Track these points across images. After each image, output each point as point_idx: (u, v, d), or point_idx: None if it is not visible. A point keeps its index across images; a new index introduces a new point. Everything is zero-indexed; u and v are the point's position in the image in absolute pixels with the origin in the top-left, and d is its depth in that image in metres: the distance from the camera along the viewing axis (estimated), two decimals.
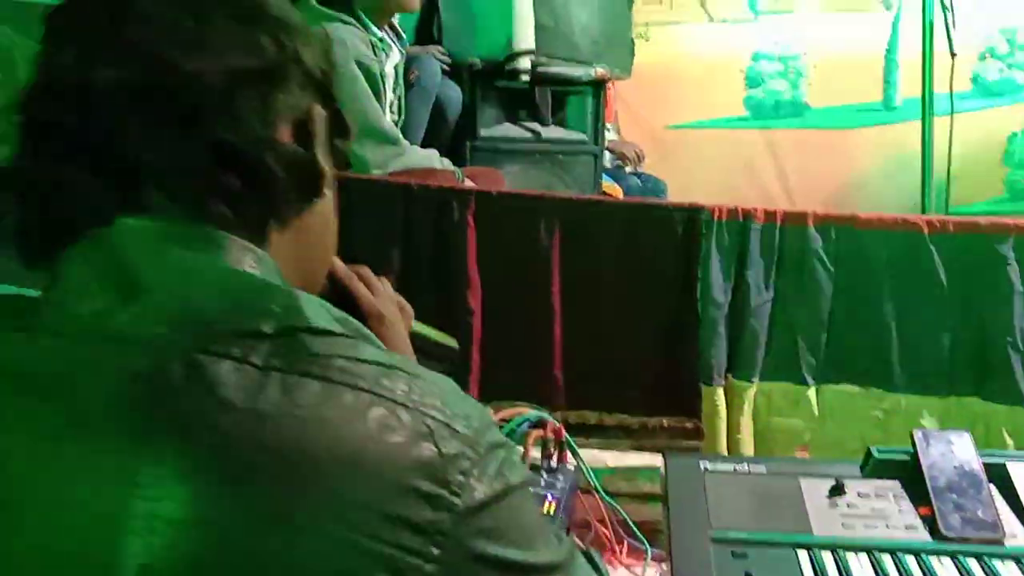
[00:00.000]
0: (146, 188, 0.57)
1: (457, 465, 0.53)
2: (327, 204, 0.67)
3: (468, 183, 2.34)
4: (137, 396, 0.51)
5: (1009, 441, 1.83)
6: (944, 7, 2.33)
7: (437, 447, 0.52)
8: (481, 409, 0.57)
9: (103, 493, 0.50)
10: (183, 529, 0.49)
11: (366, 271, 0.91)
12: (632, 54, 3.34)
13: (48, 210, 0.59)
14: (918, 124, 2.64)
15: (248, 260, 0.59)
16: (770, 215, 1.88)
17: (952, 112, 2.43)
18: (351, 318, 0.58)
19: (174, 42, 0.57)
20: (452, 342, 1.07)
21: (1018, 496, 1.13)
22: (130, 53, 0.57)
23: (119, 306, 0.54)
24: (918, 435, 1.19)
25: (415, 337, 0.97)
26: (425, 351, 1.00)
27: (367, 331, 0.58)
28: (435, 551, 0.51)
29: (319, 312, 0.56)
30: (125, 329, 0.53)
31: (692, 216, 1.88)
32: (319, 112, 0.64)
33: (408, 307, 0.95)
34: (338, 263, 0.85)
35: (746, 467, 1.22)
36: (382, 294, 0.90)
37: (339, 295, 0.86)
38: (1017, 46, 4.78)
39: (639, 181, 3.85)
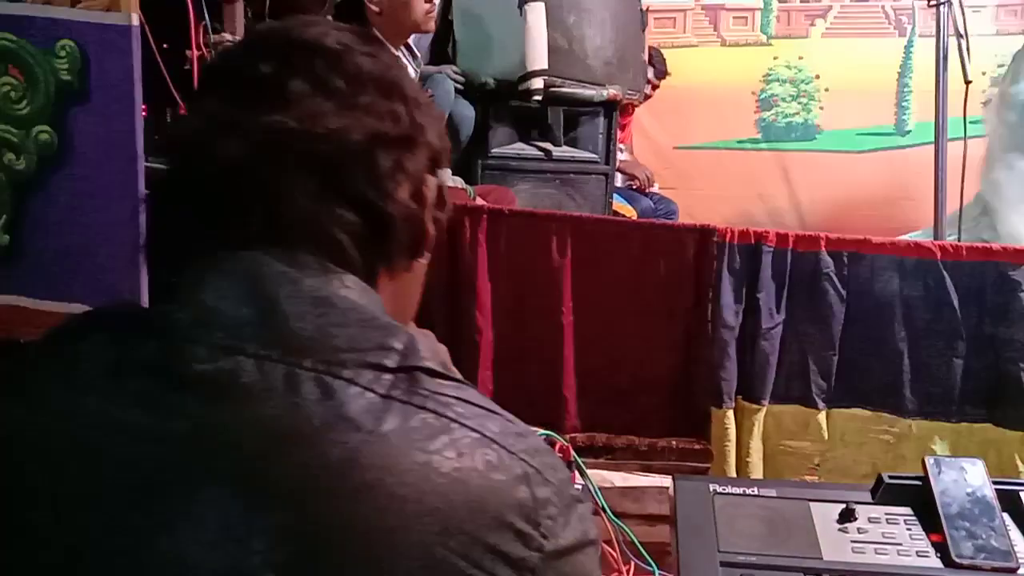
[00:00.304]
0: (284, 222, 0.63)
1: (547, 510, 0.58)
2: (422, 267, 0.74)
3: (480, 201, 2.35)
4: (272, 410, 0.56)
5: (1021, 467, 1.82)
6: (959, 33, 2.33)
7: (532, 491, 0.58)
8: (563, 464, 0.63)
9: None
10: (298, 533, 0.54)
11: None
12: (646, 76, 3.36)
13: (193, 231, 0.65)
14: (930, 148, 2.64)
15: (370, 299, 0.65)
16: (782, 238, 1.88)
17: (965, 137, 2.43)
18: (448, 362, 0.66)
19: (328, 100, 0.65)
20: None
21: None
22: (289, 102, 0.64)
23: (255, 325, 0.59)
24: (930, 461, 1.18)
25: None
26: None
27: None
28: None
29: (432, 354, 0.62)
30: (260, 349, 0.58)
31: (704, 238, 1.89)
32: (432, 182, 0.71)
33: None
34: None
35: (756, 490, 1.21)
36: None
37: None
38: None
39: (652, 202, 3.87)
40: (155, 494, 0.56)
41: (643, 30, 3.24)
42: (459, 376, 0.64)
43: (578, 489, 0.64)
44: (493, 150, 2.72)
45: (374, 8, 2.33)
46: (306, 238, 0.63)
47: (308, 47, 0.67)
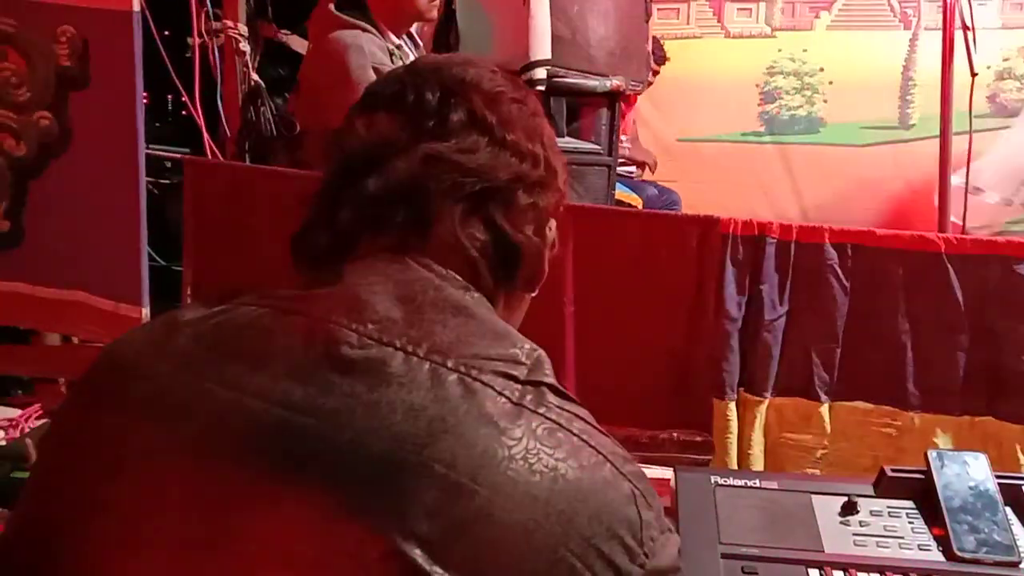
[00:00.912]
0: (433, 237, 0.72)
1: (649, 531, 0.63)
2: (527, 301, 0.81)
3: None
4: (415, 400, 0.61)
5: (1023, 461, 1.81)
6: (965, 25, 2.32)
7: (639, 511, 0.63)
8: (657, 495, 0.68)
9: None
10: (443, 511, 0.57)
11: None
12: (650, 67, 3.34)
13: (347, 236, 0.73)
14: (934, 142, 2.62)
15: (495, 317, 0.71)
16: (786, 230, 1.87)
17: (971, 130, 2.42)
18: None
19: (483, 136, 0.73)
20: None
21: None
22: (450, 132, 0.73)
23: (402, 323, 0.65)
24: (932, 455, 1.18)
25: None
26: None
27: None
28: None
29: (552, 372, 0.68)
30: (407, 344, 0.63)
31: (707, 229, 1.88)
32: (554, 224, 0.79)
33: None
34: None
35: (757, 482, 1.21)
36: None
37: None
38: None
39: (656, 191, 3.86)
40: (299, 465, 0.59)
41: (647, 21, 3.22)
42: (573, 396, 0.68)
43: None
44: None
45: None
46: (449, 254, 0.71)
47: (469, 86, 0.75)
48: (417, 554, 0.56)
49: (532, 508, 0.59)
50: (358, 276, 0.69)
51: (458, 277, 0.71)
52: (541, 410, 0.63)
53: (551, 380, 0.67)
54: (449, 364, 0.63)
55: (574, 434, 0.63)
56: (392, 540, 0.56)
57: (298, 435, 0.60)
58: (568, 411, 0.65)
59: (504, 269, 0.74)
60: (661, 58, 4.11)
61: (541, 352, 0.68)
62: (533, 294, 0.80)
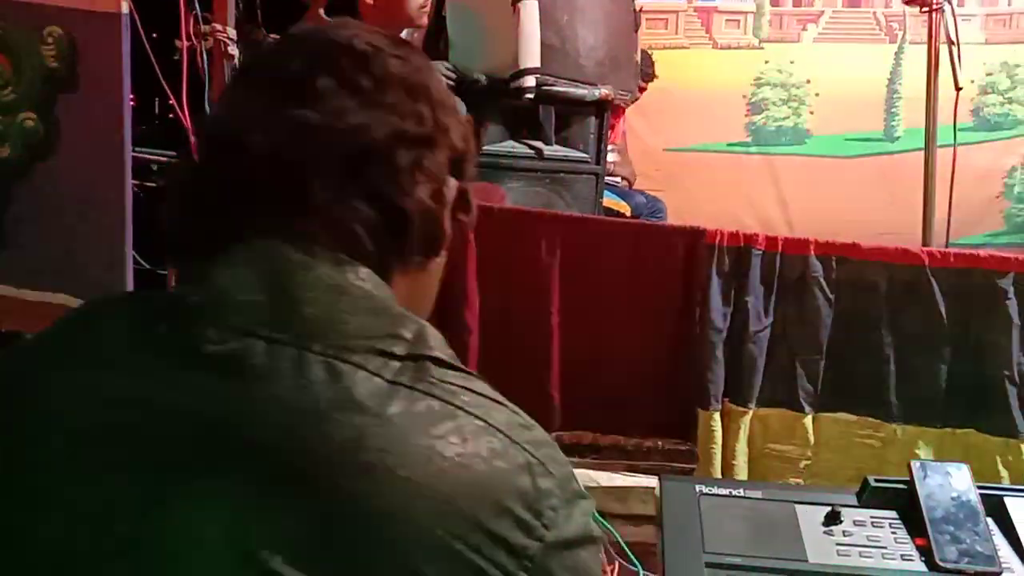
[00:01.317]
0: (303, 213, 0.65)
1: (549, 501, 0.59)
2: (438, 267, 0.75)
3: None
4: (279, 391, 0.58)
5: (1004, 473, 1.83)
6: (950, 40, 2.34)
7: (534, 480, 0.59)
8: (566, 460, 0.64)
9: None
10: (307, 511, 0.55)
11: None
12: (638, 77, 3.36)
13: (215, 219, 0.67)
14: (919, 155, 2.65)
15: (384, 291, 0.66)
16: (771, 241, 1.88)
17: (955, 144, 2.44)
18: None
19: (353, 98, 0.67)
20: None
21: (1015, 530, 1.13)
22: (315, 99, 0.66)
23: (267, 309, 0.61)
24: (915, 465, 1.19)
25: None
26: None
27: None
28: (522, 574, 0.57)
29: (441, 345, 0.64)
30: (271, 332, 0.60)
31: (694, 240, 1.88)
32: (452, 183, 0.73)
33: None
34: None
35: (742, 491, 1.21)
36: None
37: None
38: (1018, 80, 4.82)
39: (644, 199, 3.88)
40: (166, 468, 0.57)
41: (636, 31, 3.24)
42: (466, 368, 0.65)
43: (581, 487, 0.64)
44: (484, 147, 2.71)
45: (368, 1, 2.32)
46: (324, 229, 0.65)
47: (337, 48, 0.69)
48: (278, 562, 0.53)
49: (406, 495, 0.55)
50: (224, 266, 0.64)
51: (334, 253, 0.65)
52: (420, 386, 0.59)
53: (437, 353, 0.62)
54: (316, 348, 0.59)
55: (459, 407, 0.59)
56: (255, 550, 0.54)
57: (163, 441, 0.58)
58: (454, 384, 0.61)
59: (392, 237, 0.67)
60: (650, 75, 4.13)
61: (425, 326, 0.64)
62: (439, 259, 0.74)
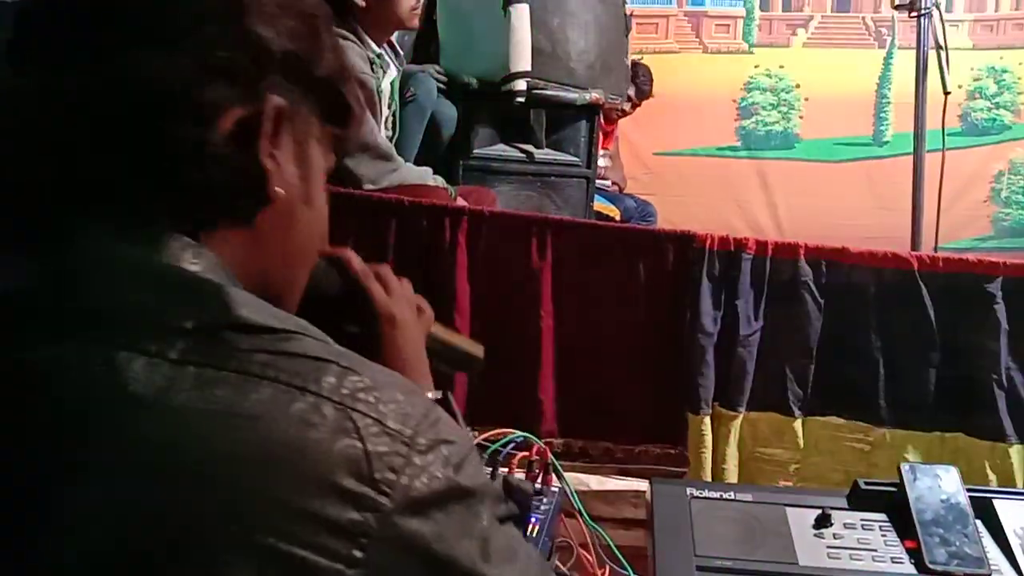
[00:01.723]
0: (80, 186, 0.57)
1: (386, 462, 0.50)
2: (291, 204, 0.63)
3: (461, 201, 2.34)
4: (64, 394, 0.51)
5: (992, 477, 1.84)
6: (938, 45, 2.36)
7: (363, 443, 0.50)
8: (428, 406, 0.55)
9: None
10: (88, 528, 0.48)
11: (385, 270, 0.89)
12: (629, 80, 3.37)
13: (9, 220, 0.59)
14: (907, 159, 2.67)
15: (187, 257, 0.56)
16: (761, 246, 1.89)
17: (943, 149, 2.46)
18: (294, 317, 0.57)
19: (120, 35, 0.56)
20: (477, 349, 1.04)
21: (1004, 532, 1.13)
22: (86, 52, 0.56)
23: (44, 304, 0.54)
24: (905, 468, 1.19)
25: (434, 342, 0.94)
26: (445, 357, 0.97)
27: (313, 329, 0.57)
28: (358, 554, 0.49)
29: (254, 309, 0.55)
30: (50, 329, 0.53)
31: (684, 244, 1.89)
32: (276, 107, 0.60)
33: (428, 311, 0.94)
34: (356, 260, 0.85)
35: (732, 494, 1.22)
36: (398, 294, 0.88)
37: (352, 292, 0.85)
38: (1004, 85, 4.86)
39: (634, 202, 3.90)
40: None
41: (626, 35, 3.25)
42: (293, 327, 0.55)
43: (449, 431, 0.55)
44: (475, 151, 2.71)
45: (360, 3, 2.31)
46: (105, 199, 0.56)
47: None
48: None
49: (197, 494, 0.48)
50: (19, 266, 0.56)
51: (121, 226, 0.56)
52: (214, 361, 0.51)
53: (244, 317, 0.53)
54: (95, 339, 0.51)
55: (262, 377, 0.51)
56: None
57: None
58: (261, 349, 0.52)
59: (189, 191, 0.57)
60: (647, 92, 4.14)
61: (230, 290, 0.55)
62: (281, 200, 0.62)
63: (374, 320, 0.85)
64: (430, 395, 0.80)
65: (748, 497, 1.21)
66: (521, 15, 2.63)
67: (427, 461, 0.52)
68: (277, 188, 0.61)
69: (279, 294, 0.65)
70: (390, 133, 2.50)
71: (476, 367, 1.04)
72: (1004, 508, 1.18)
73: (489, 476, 0.64)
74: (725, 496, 1.21)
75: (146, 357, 0.50)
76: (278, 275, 0.66)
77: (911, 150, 2.60)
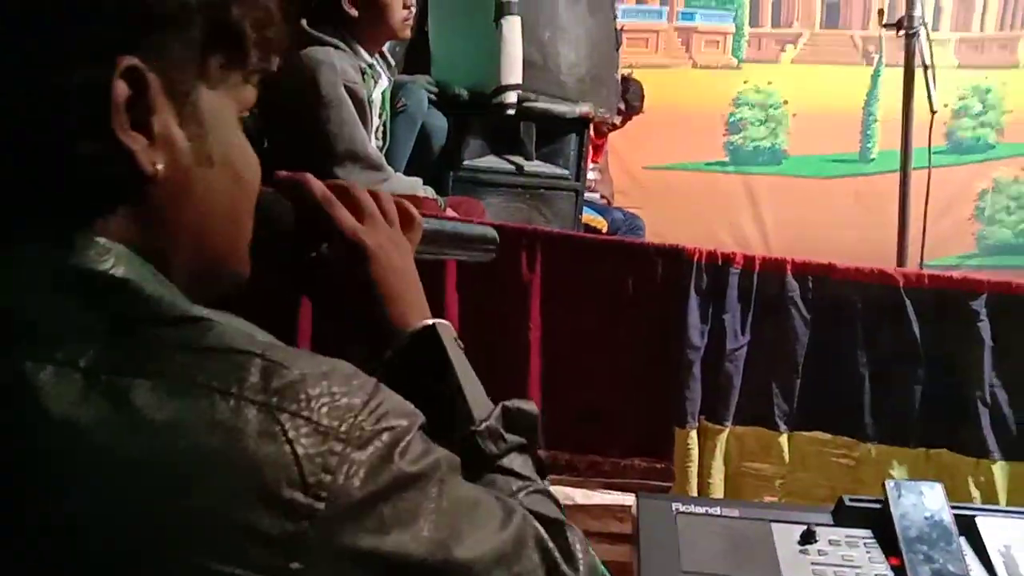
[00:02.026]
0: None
1: (319, 464, 0.46)
2: (183, 172, 0.55)
3: (450, 212, 2.34)
4: None
5: (975, 493, 1.85)
6: (925, 63, 2.39)
7: (291, 446, 0.46)
8: (369, 392, 0.50)
9: None
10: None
11: (354, 189, 0.72)
12: (619, 95, 3.39)
13: None
14: (893, 176, 2.69)
15: (91, 253, 0.51)
16: (749, 260, 1.90)
17: (929, 167, 2.49)
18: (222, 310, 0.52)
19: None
20: (486, 230, 0.90)
21: (987, 550, 1.14)
22: None
23: None
24: (890, 485, 1.20)
25: (437, 236, 0.82)
26: (454, 248, 0.87)
27: (235, 320, 0.52)
28: (296, 566, 0.45)
29: (168, 300, 0.51)
30: None
31: (673, 258, 1.89)
32: (129, 68, 0.51)
33: (417, 218, 0.76)
34: (314, 183, 0.70)
35: (718, 510, 1.22)
36: (372, 218, 0.71)
37: (315, 224, 0.69)
38: (989, 105, 4.91)
39: (622, 215, 3.91)
40: None
41: (617, 49, 3.26)
42: (210, 314, 0.51)
43: (393, 418, 0.50)
44: (465, 162, 2.72)
45: (352, 12, 2.32)
46: (9, 203, 0.52)
47: None
48: None
49: (115, 521, 0.44)
50: None
51: (31, 228, 0.52)
52: (127, 366, 0.46)
53: (158, 312, 0.49)
54: (6, 358, 0.47)
55: (171, 379, 0.46)
56: None
57: None
58: (169, 346, 0.47)
59: (75, 189, 0.52)
60: (637, 108, 4.18)
61: (138, 281, 0.51)
62: (172, 170, 0.55)
63: (345, 254, 0.69)
64: (428, 322, 0.69)
65: (734, 513, 1.21)
66: (512, 27, 2.64)
67: (366, 455, 0.48)
68: (152, 162, 0.53)
69: (214, 260, 0.59)
70: (380, 143, 2.51)
71: (491, 249, 0.89)
72: (986, 526, 1.18)
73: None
74: (711, 512, 1.21)
75: (54, 366, 0.46)
76: (204, 242, 0.58)
77: (897, 167, 2.62)
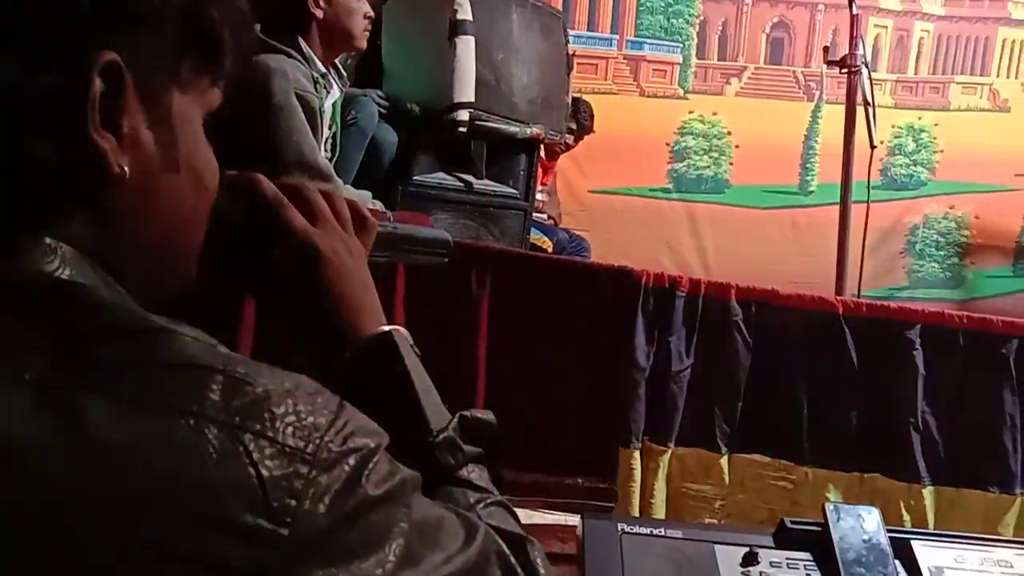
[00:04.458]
0: None
1: (284, 487, 0.44)
2: (148, 176, 0.53)
3: None
4: None
5: (906, 516, 1.90)
6: (866, 101, 2.47)
7: (255, 468, 0.43)
8: (334, 410, 0.48)
9: None
10: None
11: (306, 190, 0.69)
12: (569, 117, 3.43)
13: None
14: (831, 208, 2.77)
15: (40, 258, 0.48)
16: (695, 284, 1.93)
17: (868, 201, 2.57)
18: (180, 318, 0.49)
19: None
20: (440, 234, 0.88)
21: (921, 573, 1.17)
22: None
23: None
24: (829, 508, 1.21)
25: (390, 238, 0.79)
26: (407, 252, 0.84)
27: (190, 329, 0.49)
28: None
29: (124, 309, 0.48)
30: None
31: (621, 280, 1.91)
32: (108, 64, 0.49)
33: (370, 220, 0.73)
34: (265, 183, 0.67)
35: (663, 531, 1.22)
36: (325, 220, 0.68)
37: (267, 225, 0.66)
38: (922, 144, 5.11)
39: (567, 236, 3.94)
40: None
41: (568, 74, 3.30)
42: (167, 323, 0.48)
43: (358, 438, 0.48)
44: (414, 177, 2.71)
45: (318, 13, 2.29)
46: None
47: None
48: None
49: (68, 553, 0.41)
50: None
51: None
52: (78, 382, 0.43)
53: (111, 322, 0.46)
54: None
55: (125, 397, 0.43)
56: None
57: None
58: (123, 360, 0.45)
59: (33, 189, 0.49)
60: (588, 127, 4.24)
61: (92, 289, 0.48)
62: (135, 175, 0.52)
63: (297, 257, 0.66)
64: (384, 328, 0.67)
65: (678, 534, 1.21)
66: (467, 47, 2.65)
67: (332, 479, 0.45)
68: (120, 165, 0.50)
69: (166, 264, 0.57)
70: (329, 155, 2.48)
71: (444, 252, 0.86)
72: (921, 549, 1.21)
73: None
74: (656, 532, 1.21)
75: (1, 384, 0.43)
76: (160, 247, 0.56)
77: (835, 200, 2.70)
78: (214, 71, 0.57)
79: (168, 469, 0.42)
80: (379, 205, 2.46)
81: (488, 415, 0.67)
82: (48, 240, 0.49)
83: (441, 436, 0.63)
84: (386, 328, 0.67)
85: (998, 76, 5.10)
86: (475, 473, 0.64)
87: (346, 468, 0.46)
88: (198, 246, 0.60)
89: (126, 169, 0.51)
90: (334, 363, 0.65)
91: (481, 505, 0.61)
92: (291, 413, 0.46)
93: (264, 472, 0.43)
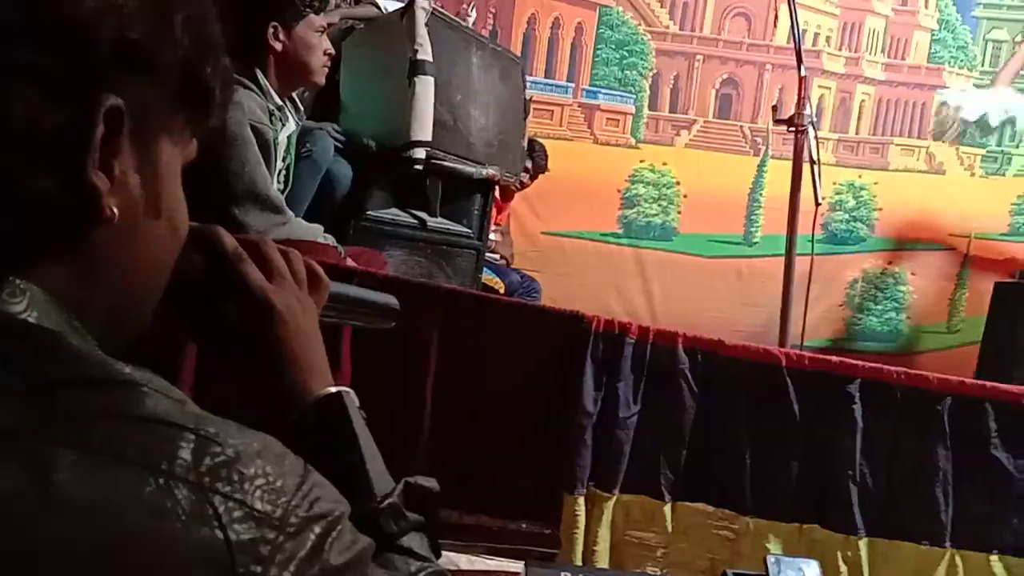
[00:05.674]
0: None
1: (252, 552, 0.44)
2: (132, 220, 0.53)
3: (350, 262, 2.31)
4: None
5: (843, 568, 1.92)
6: (811, 158, 2.55)
7: (224, 531, 0.43)
8: (301, 474, 0.48)
9: None
10: None
11: (265, 247, 0.70)
12: (525, 160, 3.46)
13: None
14: (774, 260, 2.84)
15: (8, 299, 0.47)
16: (644, 332, 1.95)
17: (812, 254, 2.64)
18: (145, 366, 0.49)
19: None
20: (388, 299, 0.90)
21: None
22: None
23: None
24: (771, 560, 1.23)
25: (337, 302, 0.80)
26: (354, 315, 0.87)
27: (159, 381, 0.48)
28: None
29: (94, 358, 0.47)
30: None
31: (571, 324, 1.92)
32: (112, 109, 0.50)
33: (324, 280, 0.76)
34: (226, 237, 0.68)
35: None
36: (280, 276, 0.69)
37: (224, 281, 0.67)
38: (862, 201, 5.28)
39: (519, 277, 3.96)
40: None
41: (525, 118, 3.35)
42: (138, 377, 0.47)
43: (323, 503, 0.49)
44: (368, 212, 2.70)
45: (277, 47, 2.29)
46: None
47: None
48: None
49: None
50: None
51: None
52: (49, 434, 0.42)
53: (81, 372, 0.45)
54: None
55: (96, 453, 0.42)
56: None
57: None
58: (93, 413, 0.44)
59: (14, 225, 0.49)
60: (542, 167, 4.31)
61: (61, 335, 0.47)
62: (119, 218, 0.52)
63: (251, 313, 0.67)
64: (332, 389, 0.68)
65: None
66: (426, 87, 2.67)
67: (298, 545, 0.46)
68: (111, 206, 0.51)
69: (131, 309, 0.57)
70: (282, 187, 2.46)
71: (392, 318, 0.89)
72: None
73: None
74: None
75: None
76: (129, 291, 0.56)
77: (778, 251, 2.77)
78: (200, 124, 0.59)
79: (135, 527, 0.42)
80: (331, 239, 2.44)
81: (431, 482, 0.69)
82: (17, 280, 0.48)
83: (386, 502, 0.63)
84: (333, 389, 0.68)
85: (933, 140, 5.32)
86: (416, 541, 0.64)
87: (311, 536, 0.47)
88: (161, 292, 0.60)
89: (115, 211, 0.51)
90: (281, 421, 0.65)
91: (422, 574, 0.62)
92: (260, 476, 0.46)
93: (232, 536, 0.44)
